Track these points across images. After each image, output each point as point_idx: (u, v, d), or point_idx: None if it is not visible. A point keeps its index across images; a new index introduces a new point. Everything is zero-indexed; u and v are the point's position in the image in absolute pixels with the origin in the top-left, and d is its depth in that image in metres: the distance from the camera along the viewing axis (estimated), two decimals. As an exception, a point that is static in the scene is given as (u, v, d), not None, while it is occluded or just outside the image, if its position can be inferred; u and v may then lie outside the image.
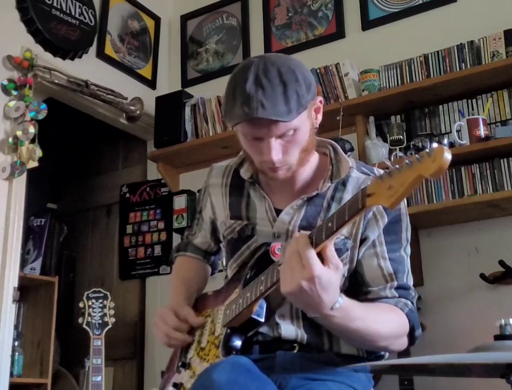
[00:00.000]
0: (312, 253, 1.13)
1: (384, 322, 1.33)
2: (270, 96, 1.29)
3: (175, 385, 1.47)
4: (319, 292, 1.14)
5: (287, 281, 1.16)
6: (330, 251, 1.15)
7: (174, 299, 1.58)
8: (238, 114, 1.31)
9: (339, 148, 1.50)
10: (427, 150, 0.98)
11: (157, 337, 1.53)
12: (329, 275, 1.14)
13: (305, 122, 1.36)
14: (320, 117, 1.44)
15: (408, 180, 1.00)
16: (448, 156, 0.96)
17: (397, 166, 1.03)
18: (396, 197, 1.02)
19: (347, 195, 1.41)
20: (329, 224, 1.14)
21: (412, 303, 1.40)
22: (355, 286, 1.40)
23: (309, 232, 1.17)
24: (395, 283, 1.38)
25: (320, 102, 1.43)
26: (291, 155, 1.37)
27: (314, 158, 1.49)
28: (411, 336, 1.37)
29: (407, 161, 1.01)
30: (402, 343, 1.37)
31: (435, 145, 0.98)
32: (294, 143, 1.36)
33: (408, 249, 1.45)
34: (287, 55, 1.44)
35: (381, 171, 1.46)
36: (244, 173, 1.52)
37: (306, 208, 1.43)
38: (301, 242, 1.15)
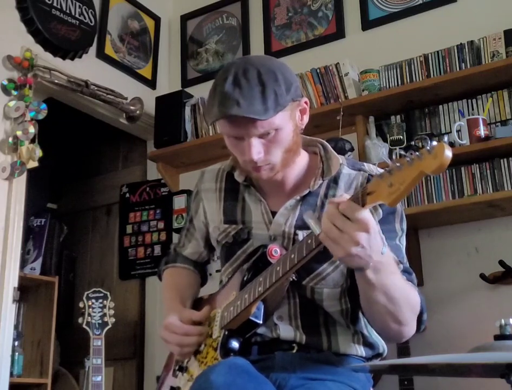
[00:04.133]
0: (360, 209, 1.11)
1: (412, 289, 1.34)
2: (247, 95, 1.30)
3: (172, 389, 1.47)
4: (373, 241, 1.15)
5: (342, 244, 1.13)
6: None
7: (170, 307, 1.56)
8: (215, 112, 1.34)
9: (329, 146, 1.50)
10: (428, 147, 0.99)
11: (171, 350, 1.50)
12: (374, 220, 1.15)
13: (287, 123, 1.36)
14: (306, 118, 1.44)
15: (409, 177, 1.01)
16: (449, 153, 0.97)
17: (397, 164, 1.04)
18: (397, 195, 1.03)
19: (340, 192, 1.41)
20: None
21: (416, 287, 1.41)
22: None
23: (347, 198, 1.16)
24: (401, 266, 1.38)
25: (306, 103, 1.43)
26: (274, 155, 1.37)
27: (304, 157, 1.49)
28: (419, 320, 1.37)
29: (407, 158, 1.02)
30: (414, 326, 1.36)
31: (435, 143, 0.99)
32: (276, 143, 1.36)
33: (403, 240, 1.45)
34: (270, 56, 1.45)
35: (372, 167, 1.47)
36: (238, 176, 1.52)
37: (300, 207, 1.43)
38: (342, 203, 1.13)
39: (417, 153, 1.00)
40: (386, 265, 1.22)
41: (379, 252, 1.18)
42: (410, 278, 1.39)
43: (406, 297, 1.30)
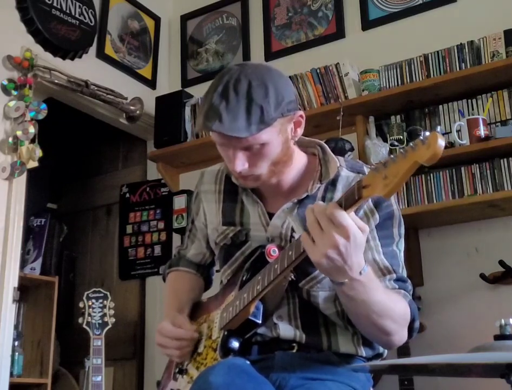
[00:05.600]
0: (345, 213, 1.12)
1: (396, 302, 1.33)
2: (231, 110, 1.29)
3: None
4: (352, 253, 1.14)
5: (320, 245, 1.13)
6: (354, 215, 1.15)
7: (166, 314, 1.56)
8: (199, 122, 1.35)
9: (327, 148, 1.50)
10: (421, 137, 1.00)
11: (170, 355, 1.48)
12: (360, 234, 1.14)
13: (275, 138, 1.35)
14: (300, 131, 1.43)
15: (403, 168, 1.02)
16: (442, 142, 0.97)
17: (391, 156, 1.05)
18: (392, 186, 1.04)
19: (338, 195, 1.41)
20: None
21: (410, 295, 1.40)
22: None
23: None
24: (394, 275, 1.38)
25: (301, 116, 1.41)
26: (259, 167, 1.37)
27: (303, 159, 1.49)
28: (410, 328, 1.37)
29: (401, 150, 1.03)
30: (405, 334, 1.36)
31: (428, 133, 0.99)
32: (261, 157, 1.36)
33: (401, 245, 1.45)
34: (270, 67, 1.43)
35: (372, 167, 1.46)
36: (235, 179, 1.51)
37: (297, 210, 1.43)
38: (331, 206, 1.13)
39: (411, 144, 1.01)
40: (366, 283, 1.22)
41: (358, 270, 1.18)
42: (403, 286, 1.39)
43: (389, 309, 1.29)
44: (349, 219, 1.12)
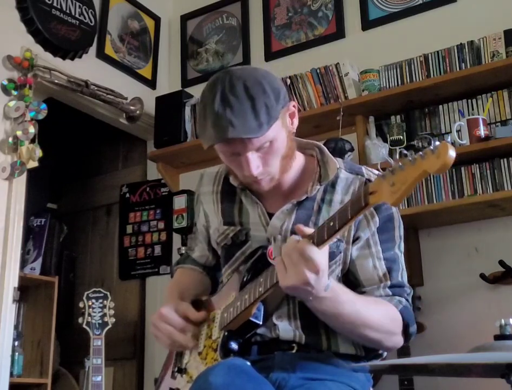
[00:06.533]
0: (316, 251, 1.16)
1: (375, 311, 1.33)
2: (238, 114, 1.29)
3: None
4: (319, 282, 1.19)
5: (291, 276, 1.18)
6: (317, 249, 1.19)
7: (168, 302, 1.55)
8: (210, 135, 1.33)
9: (325, 149, 1.50)
10: (431, 147, 1.00)
11: (159, 339, 1.46)
12: (327, 263, 1.19)
13: (280, 131, 1.37)
14: (296, 121, 1.44)
15: (411, 176, 1.02)
16: (452, 153, 0.98)
17: (400, 164, 1.05)
18: (400, 194, 1.04)
19: (337, 196, 1.42)
20: (331, 223, 1.16)
21: (407, 300, 1.41)
22: (348, 287, 1.38)
23: (310, 233, 1.19)
24: (389, 282, 1.39)
25: (294, 106, 1.42)
26: (272, 165, 1.38)
27: (301, 160, 1.49)
28: (406, 333, 1.37)
29: (410, 158, 1.03)
30: (397, 340, 1.37)
31: (438, 142, 1.00)
32: (272, 154, 1.37)
33: (402, 247, 1.46)
34: (253, 67, 1.46)
35: (369, 171, 1.47)
36: (233, 181, 1.52)
37: (296, 212, 1.43)
38: (303, 242, 1.17)
39: (420, 153, 1.01)
40: (332, 298, 1.26)
41: (322, 290, 1.22)
42: (399, 292, 1.40)
43: (366, 319, 1.31)
44: (319, 255, 1.16)
